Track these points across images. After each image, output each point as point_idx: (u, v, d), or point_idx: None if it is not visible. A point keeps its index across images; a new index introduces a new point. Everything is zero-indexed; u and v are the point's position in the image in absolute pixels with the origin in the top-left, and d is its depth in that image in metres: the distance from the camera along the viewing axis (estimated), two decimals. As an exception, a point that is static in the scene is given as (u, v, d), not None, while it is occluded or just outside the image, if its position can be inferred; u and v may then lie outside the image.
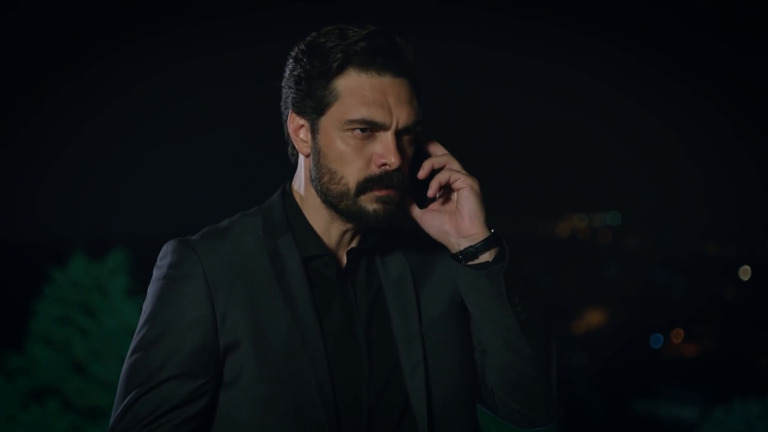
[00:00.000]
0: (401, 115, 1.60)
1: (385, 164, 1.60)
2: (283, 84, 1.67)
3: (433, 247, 1.74)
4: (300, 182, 1.70)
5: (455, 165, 1.68)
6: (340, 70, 1.59)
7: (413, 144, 1.67)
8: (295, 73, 1.63)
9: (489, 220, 1.68)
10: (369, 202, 1.61)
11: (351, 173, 1.61)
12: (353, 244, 1.70)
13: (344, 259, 1.69)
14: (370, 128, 1.60)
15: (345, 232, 1.69)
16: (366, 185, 1.61)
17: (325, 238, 1.69)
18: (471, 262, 1.67)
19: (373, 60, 1.59)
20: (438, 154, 1.70)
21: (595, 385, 28.65)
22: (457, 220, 1.67)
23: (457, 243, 1.68)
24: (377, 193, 1.61)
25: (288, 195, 1.72)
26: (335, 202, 1.63)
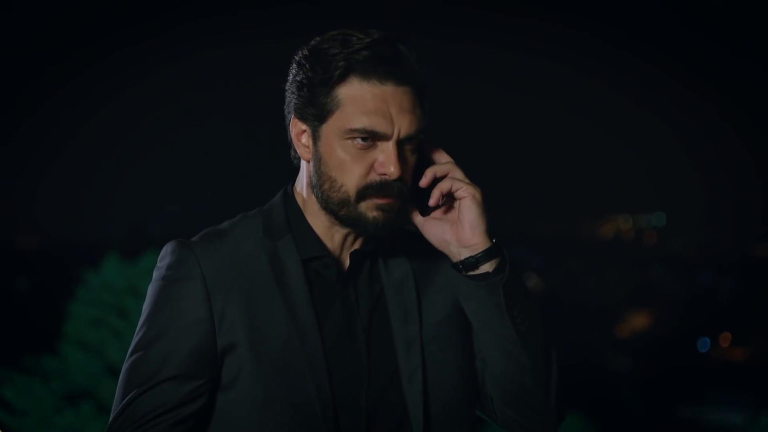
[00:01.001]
0: (403, 125, 1.60)
1: (384, 173, 1.60)
2: (286, 87, 1.67)
3: (437, 251, 1.72)
4: (302, 185, 1.70)
5: (458, 173, 1.67)
6: (342, 78, 1.59)
7: (416, 152, 1.66)
8: (297, 78, 1.63)
9: (490, 230, 1.66)
10: (369, 210, 1.61)
11: (351, 181, 1.61)
12: (356, 246, 1.70)
13: (347, 262, 1.69)
14: (371, 137, 1.60)
15: (347, 234, 1.69)
16: (365, 192, 1.61)
17: (327, 241, 1.69)
18: (471, 273, 1.66)
19: (375, 68, 1.58)
20: (441, 161, 1.69)
21: (639, 390, 28.25)
22: (458, 229, 1.66)
23: (458, 252, 1.66)
24: (377, 201, 1.61)
25: (290, 197, 1.72)
26: (335, 209, 1.63)
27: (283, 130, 1.71)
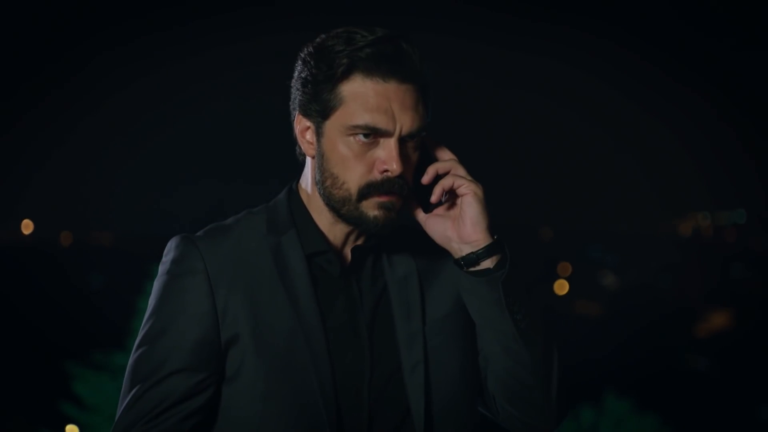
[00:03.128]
0: (405, 122, 1.61)
1: (386, 170, 1.62)
2: (291, 84, 1.68)
3: (440, 248, 1.73)
4: (307, 181, 1.72)
5: (460, 170, 1.68)
6: (346, 75, 1.61)
7: (418, 149, 1.67)
8: (302, 75, 1.65)
9: (492, 227, 1.67)
10: (370, 209, 1.63)
11: (353, 178, 1.62)
12: (359, 242, 1.71)
13: (350, 257, 1.71)
14: (373, 134, 1.61)
15: (351, 230, 1.70)
16: (367, 190, 1.62)
17: (330, 236, 1.70)
18: (472, 269, 1.67)
19: (378, 66, 1.60)
20: (444, 158, 1.70)
21: (717, 391, 27.61)
22: (460, 225, 1.67)
23: (459, 249, 1.68)
24: (378, 199, 1.62)
25: (294, 193, 1.73)
26: (337, 206, 1.65)
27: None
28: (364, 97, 1.60)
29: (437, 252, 1.74)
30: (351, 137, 1.61)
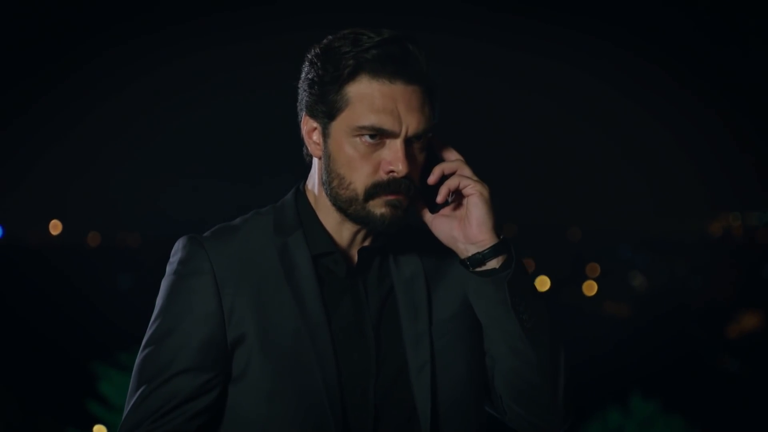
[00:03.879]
0: (411, 123, 1.62)
1: (392, 171, 1.62)
2: (299, 85, 1.70)
3: (447, 249, 1.73)
4: (314, 182, 1.73)
5: (466, 171, 1.69)
6: (352, 76, 1.62)
7: (424, 150, 1.68)
8: (309, 76, 1.66)
9: (498, 227, 1.68)
10: (377, 207, 1.63)
11: (359, 179, 1.63)
12: (366, 243, 1.72)
13: (356, 258, 1.71)
14: (379, 135, 1.62)
15: (357, 231, 1.71)
16: (374, 191, 1.63)
17: (337, 237, 1.71)
18: (478, 269, 1.68)
19: (384, 67, 1.61)
20: (450, 159, 1.71)
21: (748, 392, 27.34)
22: (466, 226, 1.68)
23: (465, 249, 1.68)
24: (386, 198, 1.63)
25: (301, 194, 1.74)
26: (344, 206, 1.65)
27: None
28: (370, 98, 1.61)
29: (444, 253, 1.74)
30: (357, 138, 1.62)
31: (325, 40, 1.66)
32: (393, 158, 1.62)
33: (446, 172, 1.69)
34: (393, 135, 1.62)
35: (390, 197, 1.63)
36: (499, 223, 1.68)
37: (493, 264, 1.67)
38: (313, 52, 1.67)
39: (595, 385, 22.42)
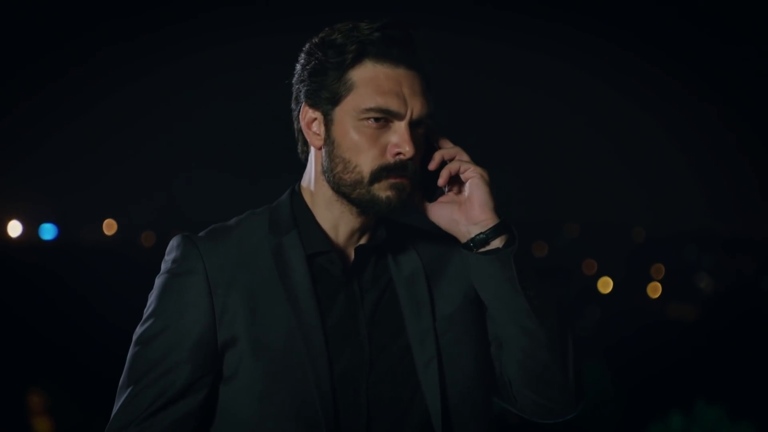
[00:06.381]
0: (415, 106, 1.64)
1: (399, 153, 1.64)
2: (294, 80, 1.71)
3: (446, 245, 1.76)
4: (310, 178, 1.73)
5: (465, 156, 1.72)
6: (356, 60, 1.64)
7: (424, 139, 1.70)
8: (308, 66, 1.67)
9: (499, 209, 1.71)
10: (382, 190, 1.64)
11: (365, 162, 1.64)
12: (362, 242, 1.72)
13: (352, 257, 1.72)
14: (384, 117, 1.64)
15: (354, 229, 1.71)
16: (380, 174, 1.64)
17: (333, 235, 1.71)
18: (482, 249, 1.70)
19: (389, 50, 1.63)
20: (447, 147, 1.74)
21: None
22: (467, 208, 1.71)
23: (468, 231, 1.71)
24: (392, 180, 1.64)
25: (297, 194, 1.75)
26: (348, 191, 1.66)
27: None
28: (375, 80, 1.63)
29: (442, 250, 1.77)
30: (363, 121, 1.63)
31: (321, 33, 1.68)
32: (400, 140, 1.63)
33: (446, 157, 1.72)
34: (399, 117, 1.63)
35: (395, 180, 1.64)
36: (499, 205, 1.71)
37: (497, 243, 1.69)
38: (310, 44, 1.68)
39: (658, 388, 21.71)
